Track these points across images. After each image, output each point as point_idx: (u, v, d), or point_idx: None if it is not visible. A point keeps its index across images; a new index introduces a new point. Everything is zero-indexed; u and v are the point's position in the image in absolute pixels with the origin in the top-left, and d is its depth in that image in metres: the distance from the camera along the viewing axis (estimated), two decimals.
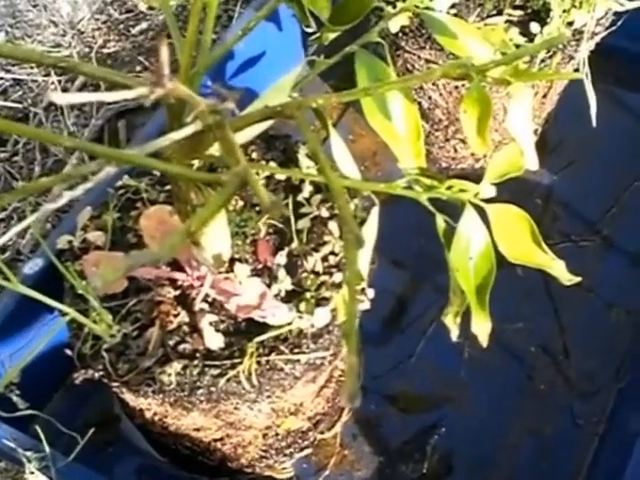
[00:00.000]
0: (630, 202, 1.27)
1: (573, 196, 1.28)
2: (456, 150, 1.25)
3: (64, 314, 0.83)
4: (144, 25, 1.45)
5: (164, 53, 0.52)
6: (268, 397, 0.84)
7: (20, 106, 1.36)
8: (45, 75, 1.39)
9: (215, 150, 0.77)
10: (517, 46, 1.00)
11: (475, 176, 0.82)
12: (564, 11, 1.10)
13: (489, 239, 0.80)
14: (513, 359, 1.13)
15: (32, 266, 0.98)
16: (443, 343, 0.86)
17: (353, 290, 0.56)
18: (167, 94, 0.54)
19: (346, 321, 0.53)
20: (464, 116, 0.74)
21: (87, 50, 1.43)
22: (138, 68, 1.40)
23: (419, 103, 1.20)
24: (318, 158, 0.65)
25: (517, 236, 0.81)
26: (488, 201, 0.80)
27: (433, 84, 1.14)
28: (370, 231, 0.82)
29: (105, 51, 1.43)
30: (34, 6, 1.51)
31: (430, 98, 1.18)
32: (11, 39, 1.46)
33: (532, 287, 1.17)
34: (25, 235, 1.21)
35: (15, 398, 0.85)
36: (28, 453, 0.87)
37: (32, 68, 1.41)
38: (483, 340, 0.81)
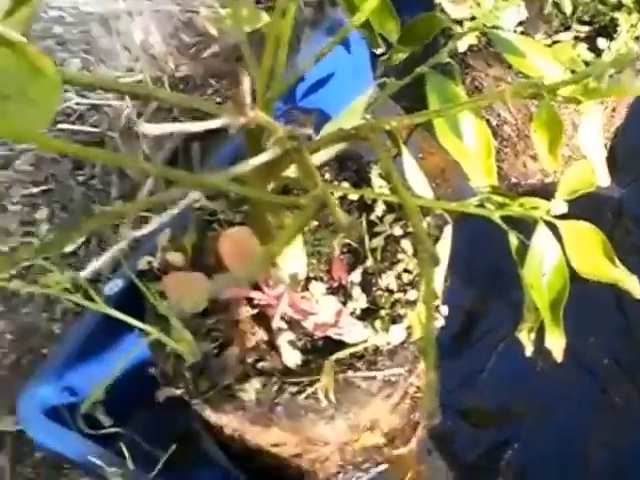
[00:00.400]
0: None
1: None
2: (525, 166, 1.26)
3: (146, 333, 0.86)
4: (215, 48, 1.49)
5: (245, 82, 0.54)
6: (345, 413, 0.86)
7: (97, 130, 1.40)
8: (120, 100, 1.42)
9: (291, 172, 0.79)
10: (586, 62, 1.01)
11: (545, 191, 0.83)
12: (631, 26, 1.10)
13: (562, 255, 0.81)
14: (587, 373, 1.13)
15: (112, 286, 1.01)
16: (515, 358, 0.86)
17: (429, 308, 0.58)
18: (248, 122, 0.56)
19: (423, 339, 0.55)
20: (535, 135, 0.75)
21: (160, 74, 1.46)
22: (210, 91, 1.43)
23: (487, 120, 1.21)
24: (392, 178, 0.66)
25: (589, 252, 0.81)
26: (560, 217, 0.81)
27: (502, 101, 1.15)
28: (444, 249, 0.83)
29: (177, 75, 1.46)
30: (107, 32, 1.55)
31: (499, 115, 1.19)
32: (86, 65, 1.50)
33: (604, 301, 1.17)
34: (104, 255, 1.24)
35: (100, 416, 0.87)
36: (112, 469, 0.90)
37: (107, 93, 1.44)
38: (558, 355, 0.81)
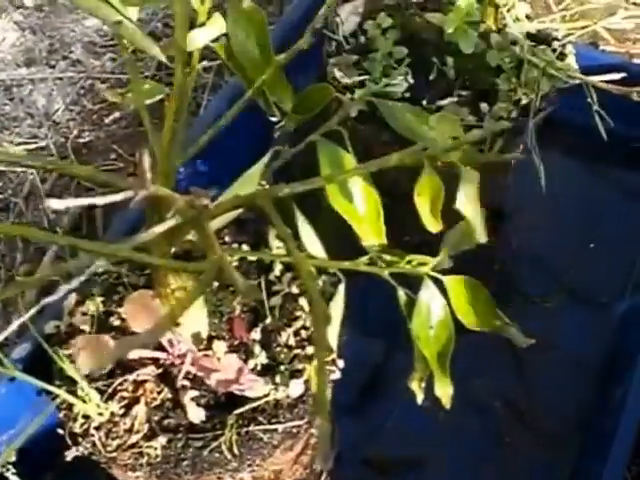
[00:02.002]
0: (587, 262, 1.35)
1: (532, 259, 1.36)
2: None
3: (54, 395, 0.89)
4: (117, 114, 1.53)
5: (146, 160, 0.59)
6: (249, 466, 0.90)
7: (1, 196, 1.42)
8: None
9: (191, 236, 0.84)
10: (468, 127, 1.08)
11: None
12: (509, 90, 1.18)
13: (447, 308, 0.87)
14: (482, 416, 1.19)
15: (20, 351, 1.03)
16: (415, 407, 0.91)
17: (323, 363, 0.63)
18: (150, 195, 0.60)
19: (317, 391, 0.60)
20: (418, 199, 0.81)
21: (63, 140, 1.50)
22: (113, 156, 1.46)
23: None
24: (287, 244, 0.71)
25: (473, 304, 0.88)
26: (446, 272, 0.87)
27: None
28: (338, 306, 0.88)
29: (80, 141, 1.50)
30: (10, 99, 1.58)
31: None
32: None
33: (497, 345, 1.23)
34: (11, 320, 1.26)
35: (11, 477, 0.90)
36: None
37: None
38: (446, 402, 0.87)
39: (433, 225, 0.82)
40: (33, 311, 0.62)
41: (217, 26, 0.92)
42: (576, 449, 1.16)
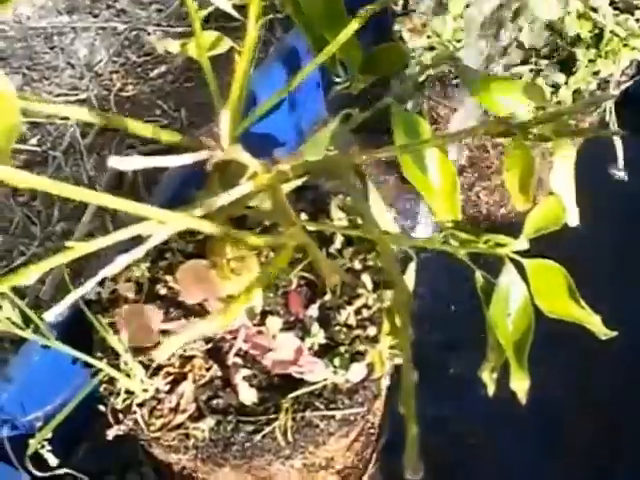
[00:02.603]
0: None
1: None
2: (479, 197, 1.25)
3: (95, 370, 0.82)
4: (162, 68, 1.45)
5: (225, 119, 0.51)
6: (302, 453, 0.83)
7: (39, 149, 1.35)
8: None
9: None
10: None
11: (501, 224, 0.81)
12: (590, 61, 1.10)
13: (528, 295, 0.79)
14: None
15: (57, 316, 0.97)
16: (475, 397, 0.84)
17: (407, 357, 0.56)
18: (225, 157, 0.53)
19: (404, 393, 0.53)
20: (507, 174, 0.74)
21: (105, 93, 1.43)
22: (157, 112, 1.39)
23: None
24: (366, 220, 0.64)
25: (554, 291, 0.80)
26: (524, 254, 0.80)
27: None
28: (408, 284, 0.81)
29: (123, 94, 1.43)
30: (51, 48, 1.51)
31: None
32: (28, 81, 1.46)
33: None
34: (44, 279, 1.20)
35: (46, 454, 0.83)
36: None
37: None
38: (522, 397, 0.80)
39: (522, 203, 0.75)
40: (93, 282, 0.55)
41: None
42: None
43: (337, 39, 0.74)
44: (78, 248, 0.56)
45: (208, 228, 0.55)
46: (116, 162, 0.50)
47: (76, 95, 1.43)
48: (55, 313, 0.60)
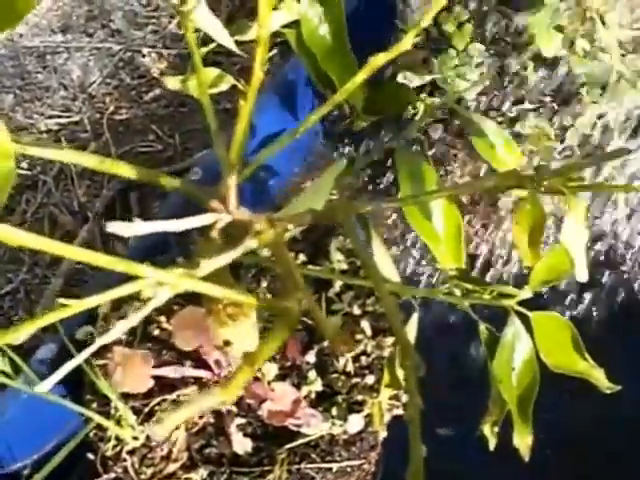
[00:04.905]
0: None
1: None
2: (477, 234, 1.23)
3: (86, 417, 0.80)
4: (157, 92, 1.43)
5: (232, 182, 0.49)
6: None
7: (29, 173, 1.32)
8: (56, 141, 1.36)
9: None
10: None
11: None
12: (593, 102, 1.08)
13: (533, 348, 0.77)
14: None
15: (45, 353, 0.94)
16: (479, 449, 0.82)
17: (416, 424, 0.54)
18: (233, 220, 0.51)
19: (412, 466, 0.50)
20: (516, 228, 0.71)
21: (98, 116, 1.40)
22: (151, 137, 1.36)
23: None
24: (370, 271, 0.62)
25: (561, 345, 0.79)
26: (528, 307, 0.78)
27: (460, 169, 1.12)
28: (410, 336, 0.79)
29: (117, 118, 1.40)
30: (44, 68, 1.48)
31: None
32: (20, 102, 1.43)
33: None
34: (34, 312, 1.17)
35: None
36: None
37: (41, 134, 1.38)
38: (525, 454, 0.78)
39: (530, 259, 0.73)
40: (91, 350, 0.53)
41: (291, 10, 0.83)
42: None
43: (344, 88, 0.72)
44: (74, 306, 0.54)
45: (212, 292, 0.53)
46: (116, 228, 0.47)
47: (69, 117, 1.40)
48: (52, 382, 0.57)
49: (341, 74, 0.85)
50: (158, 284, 0.53)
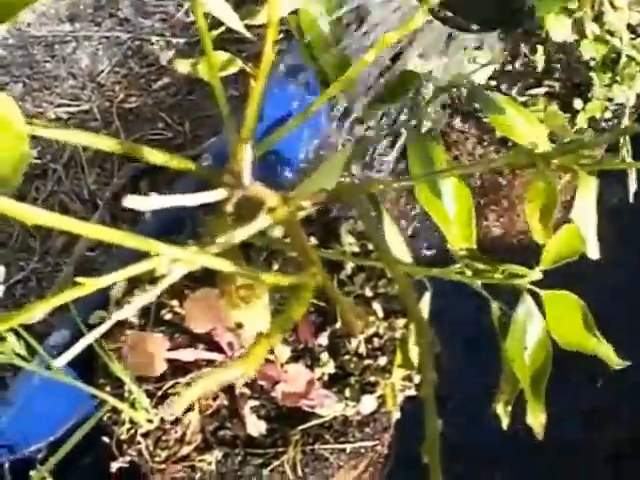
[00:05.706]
0: None
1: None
2: (487, 219, 1.23)
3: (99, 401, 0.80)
4: (166, 80, 1.43)
5: (246, 156, 0.49)
6: None
7: (39, 162, 1.33)
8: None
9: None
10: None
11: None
12: (605, 85, 1.08)
13: (545, 327, 0.77)
14: None
15: (57, 339, 0.94)
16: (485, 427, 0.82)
17: (431, 399, 0.54)
18: (246, 195, 0.51)
19: (427, 441, 0.50)
20: (529, 205, 0.71)
21: (107, 104, 1.40)
22: (161, 125, 1.37)
23: None
24: (383, 253, 0.62)
25: (572, 323, 0.78)
26: (540, 285, 0.78)
27: (469, 154, 1.12)
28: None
29: (126, 106, 1.40)
30: (52, 57, 1.48)
31: None
32: (29, 91, 1.43)
33: None
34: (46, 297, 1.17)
35: None
36: None
37: (50, 122, 1.38)
38: (539, 433, 0.78)
39: (542, 236, 0.73)
40: (103, 329, 0.53)
41: None
42: None
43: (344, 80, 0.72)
44: (88, 285, 0.54)
45: (225, 268, 0.53)
46: (132, 202, 0.47)
47: (78, 106, 1.40)
48: (67, 359, 0.57)
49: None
50: (172, 262, 0.53)
